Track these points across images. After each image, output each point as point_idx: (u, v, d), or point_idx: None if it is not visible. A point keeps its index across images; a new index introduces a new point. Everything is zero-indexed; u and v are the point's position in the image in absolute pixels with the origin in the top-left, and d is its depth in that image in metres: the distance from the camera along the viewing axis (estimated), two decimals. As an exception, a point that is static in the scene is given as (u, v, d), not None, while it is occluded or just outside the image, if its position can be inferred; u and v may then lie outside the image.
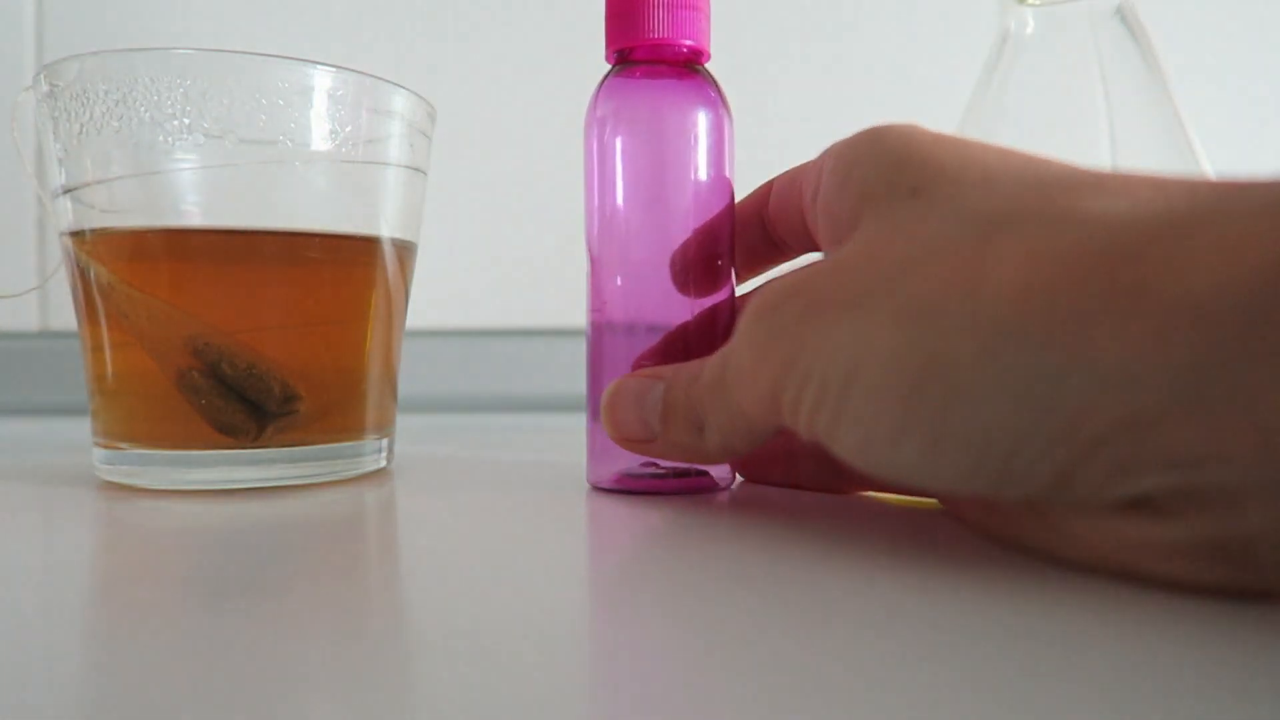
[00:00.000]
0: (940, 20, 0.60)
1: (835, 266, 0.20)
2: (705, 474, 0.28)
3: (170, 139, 0.27)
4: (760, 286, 0.23)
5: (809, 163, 0.25)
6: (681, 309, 0.27)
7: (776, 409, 0.20)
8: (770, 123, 0.60)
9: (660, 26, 0.26)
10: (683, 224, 0.27)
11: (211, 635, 0.15)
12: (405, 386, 0.36)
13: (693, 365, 0.24)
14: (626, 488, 0.28)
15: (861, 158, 0.21)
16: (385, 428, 0.33)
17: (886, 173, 0.20)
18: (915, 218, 0.19)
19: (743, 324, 0.22)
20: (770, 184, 0.27)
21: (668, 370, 0.25)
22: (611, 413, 0.25)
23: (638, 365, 0.27)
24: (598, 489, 0.28)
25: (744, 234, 0.27)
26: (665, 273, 0.27)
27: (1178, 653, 0.14)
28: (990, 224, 0.17)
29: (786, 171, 0.26)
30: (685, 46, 0.27)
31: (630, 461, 0.28)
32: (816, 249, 0.26)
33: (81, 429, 0.33)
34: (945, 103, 0.47)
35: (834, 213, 0.22)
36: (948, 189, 0.19)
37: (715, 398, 0.23)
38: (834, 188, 0.22)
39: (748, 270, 0.29)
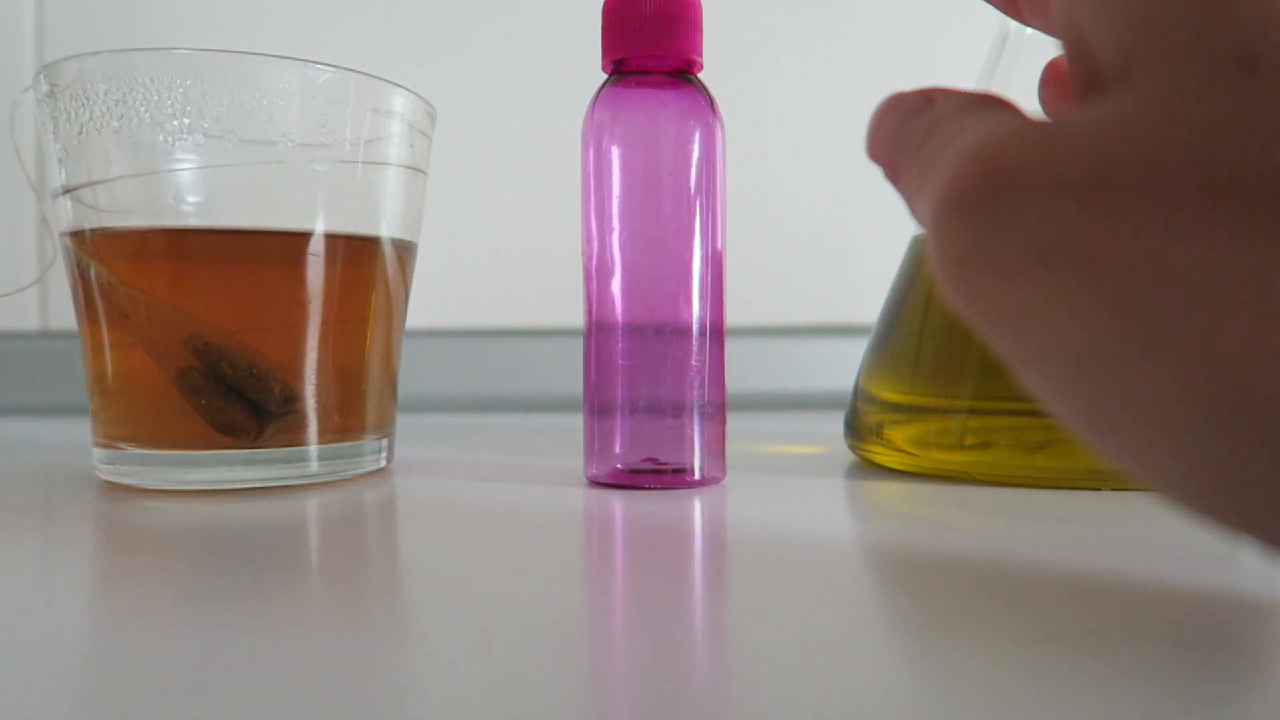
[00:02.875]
0: (940, 21, 0.60)
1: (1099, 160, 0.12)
2: (701, 471, 0.28)
3: (170, 139, 0.27)
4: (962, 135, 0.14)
5: None
6: (674, 312, 0.27)
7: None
8: (762, 130, 0.60)
9: (654, 37, 0.27)
10: (675, 228, 0.27)
11: (211, 635, 0.15)
12: (405, 386, 0.36)
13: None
14: (624, 483, 0.28)
15: None
16: (385, 428, 0.33)
17: (1194, 18, 0.12)
18: (1244, 127, 0.12)
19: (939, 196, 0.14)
20: None
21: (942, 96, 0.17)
22: (879, 116, 0.18)
23: None
24: (595, 485, 0.28)
25: None
26: (658, 276, 0.27)
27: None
28: None
29: None
30: (678, 56, 0.28)
31: (628, 458, 0.28)
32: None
33: (81, 429, 0.33)
34: (945, 103, 0.47)
35: (1084, 30, 0.14)
36: None
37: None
38: (1098, 7, 0.14)
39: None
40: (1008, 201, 0.13)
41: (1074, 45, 0.14)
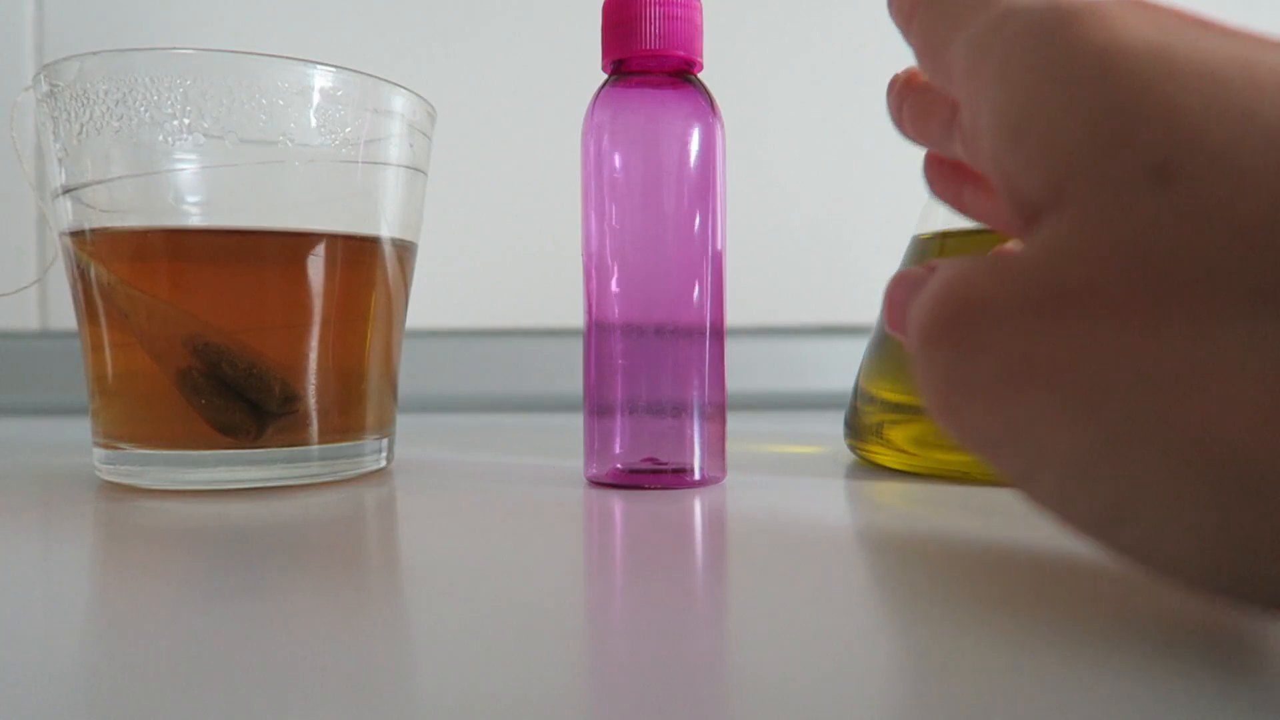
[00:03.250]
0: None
1: (1045, 296, 0.13)
2: (701, 471, 0.28)
3: (170, 139, 0.27)
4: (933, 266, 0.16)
5: (939, 54, 0.17)
6: (674, 312, 0.28)
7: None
8: (762, 130, 0.60)
9: (654, 38, 0.27)
10: (675, 228, 0.27)
11: (211, 635, 0.15)
12: (405, 386, 0.36)
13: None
14: (624, 483, 0.28)
15: (1045, 89, 0.14)
16: (385, 428, 0.33)
17: (1103, 130, 0.13)
18: (1168, 230, 0.12)
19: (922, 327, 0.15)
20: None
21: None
22: (890, 291, 0.19)
23: None
24: (595, 485, 0.28)
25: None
26: (658, 275, 0.27)
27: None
28: None
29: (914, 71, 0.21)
30: (678, 57, 0.28)
31: (628, 458, 0.28)
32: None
33: (81, 429, 0.33)
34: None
35: (1011, 176, 0.15)
36: (1219, 177, 0.12)
37: None
38: (1006, 136, 0.14)
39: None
40: (975, 327, 0.14)
41: (1005, 186, 0.15)
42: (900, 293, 0.18)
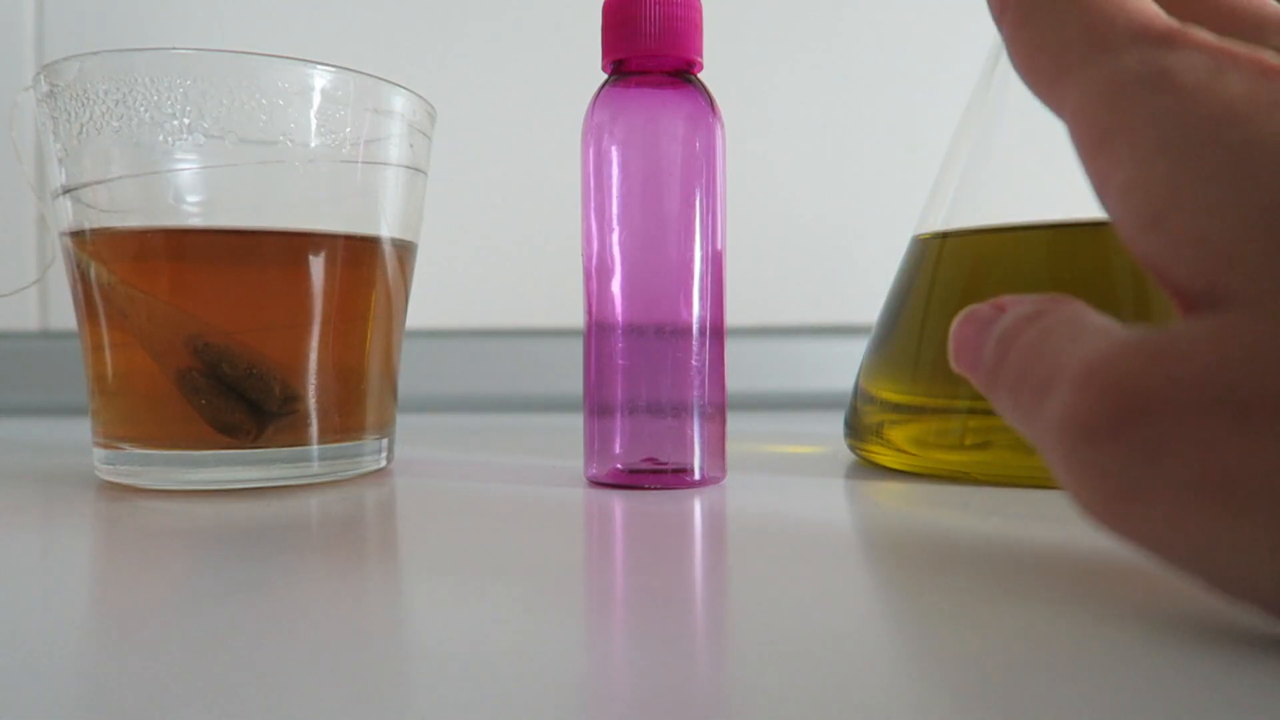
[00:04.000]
0: (940, 21, 0.60)
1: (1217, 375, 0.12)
2: (701, 471, 0.28)
3: (170, 139, 0.27)
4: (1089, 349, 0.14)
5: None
6: (674, 312, 0.28)
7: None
8: (762, 130, 0.60)
9: (654, 38, 0.27)
10: (675, 228, 0.27)
11: (211, 635, 0.15)
12: (405, 386, 0.36)
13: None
14: (624, 483, 0.28)
15: (1212, 197, 0.13)
16: (385, 428, 0.33)
17: (1275, 245, 0.13)
18: None
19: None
20: None
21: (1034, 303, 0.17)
22: (956, 329, 0.18)
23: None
24: (595, 485, 0.28)
25: None
26: (658, 276, 0.27)
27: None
28: None
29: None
30: (678, 57, 0.28)
31: (628, 458, 0.28)
32: None
33: (81, 429, 0.33)
34: (944, 103, 0.47)
35: (1151, 259, 0.14)
36: None
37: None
38: (1146, 224, 0.14)
39: None
40: (1154, 430, 0.13)
41: (1145, 265, 0.14)
42: (971, 329, 0.17)
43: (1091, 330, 0.14)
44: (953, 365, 0.18)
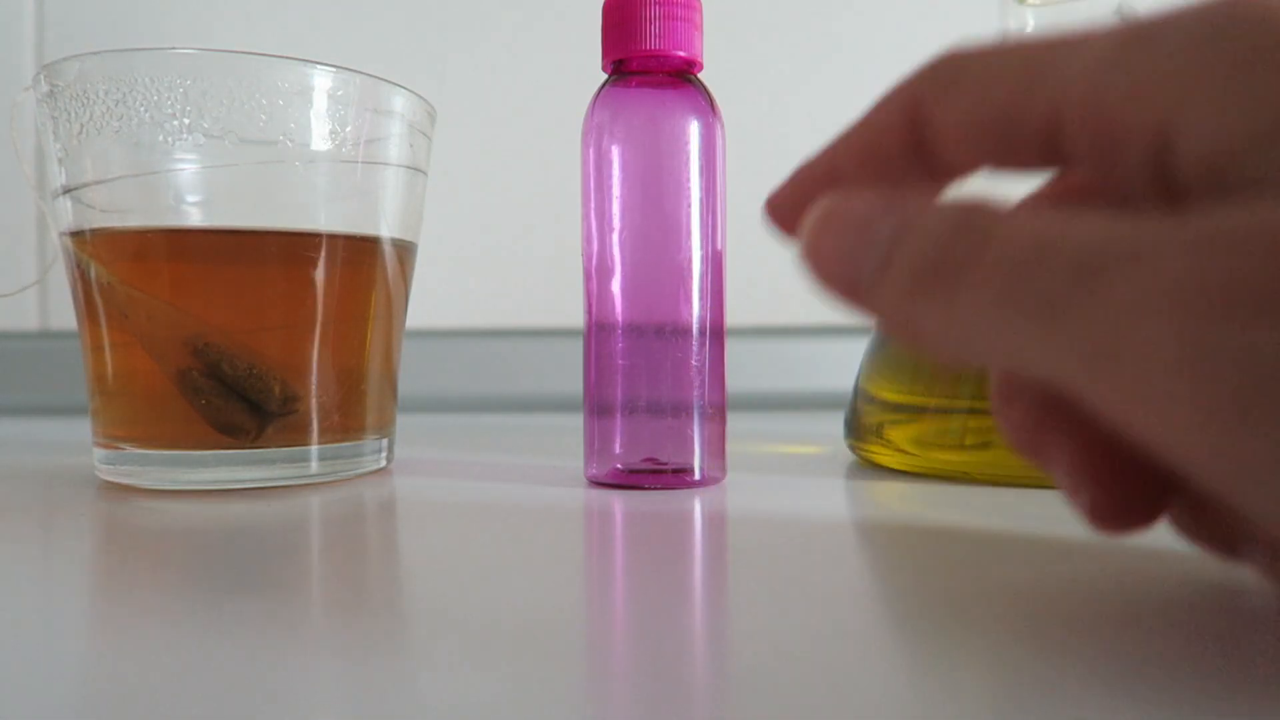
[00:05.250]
0: (940, 21, 0.60)
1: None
2: (701, 471, 0.28)
3: (170, 139, 0.27)
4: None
5: (1036, 47, 0.14)
6: (674, 312, 0.28)
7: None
8: (762, 130, 0.60)
9: (654, 38, 0.27)
10: (675, 228, 0.27)
11: (212, 635, 0.15)
12: (405, 386, 0.36)
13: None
14: (624, 483, 0.28)
15: (1243, 60, 0.11)
16: (385, 428, 0.33)
17: None
18: None
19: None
20: (912, 87, 0.16)
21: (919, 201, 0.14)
22: (814, 238, 0.16)
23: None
24: (595, 485, 0.28)
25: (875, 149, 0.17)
26: (658, 276, 0.27)
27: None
28: None
29: (958, 63, 0.15)
30: (678, 57, 0.28)
31: (628, 458, 0.28)
32: (1022, 165, 0.15)
33: (81, 429, 0.33)
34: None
35: (1198, 147, 0.11)
36: None
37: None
38: (1207, 109, 0.11)
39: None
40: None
41: (1192, 155, 0.12)
42: (851, 237, 0.14)
43: (1098, 223, 0.12)
44: (825, 285, 0.15)
